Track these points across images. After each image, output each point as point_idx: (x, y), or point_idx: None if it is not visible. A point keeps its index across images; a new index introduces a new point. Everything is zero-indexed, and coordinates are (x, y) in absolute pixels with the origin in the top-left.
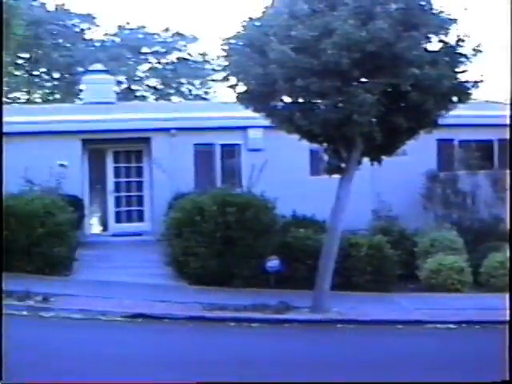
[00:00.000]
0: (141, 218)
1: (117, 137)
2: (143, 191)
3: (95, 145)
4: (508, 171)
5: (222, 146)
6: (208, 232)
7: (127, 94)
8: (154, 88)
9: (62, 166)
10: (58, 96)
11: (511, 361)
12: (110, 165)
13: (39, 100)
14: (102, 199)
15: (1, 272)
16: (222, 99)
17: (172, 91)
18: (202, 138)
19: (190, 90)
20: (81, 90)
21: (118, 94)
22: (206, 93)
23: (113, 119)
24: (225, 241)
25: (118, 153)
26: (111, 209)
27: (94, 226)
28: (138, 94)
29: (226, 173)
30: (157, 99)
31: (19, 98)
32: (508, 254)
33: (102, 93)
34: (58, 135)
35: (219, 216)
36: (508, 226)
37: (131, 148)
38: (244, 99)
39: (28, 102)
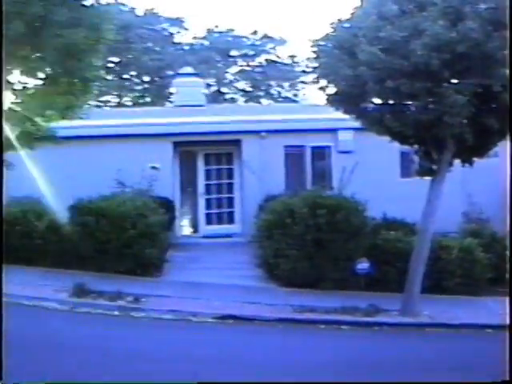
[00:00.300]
0: (231, 220)
1: (207, 139)
2: (233, 193)
3: (186, 147)
4: None
5: (313, 148)
6: (298, 234)
7: (217, 97)
8: (244, 90)
9: (153, 168)
10: (148, 99)
11: (511, 361)
12: (200, 167)
13: (130, 103)
14: (193, 201)
15: (1, 268)
16: (312, 101)
17: (261, 93)
18: (292, 140)
19: (279, 92)
20: (171, 93)
21: (207, 96)
22: (296, 95)
23: (203, 122)
24: (315, 243)
25: (209, 155)
26: (202, 211)
27: (184, 227)
28: (227, 96)
29: (316, 175)
30: (246, 101)
31: (110, 102)
32: None
33: (192, 95)
34: (149, 138)
35: (310, 218)
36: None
37: (222, 150)
38: (334, 101)
39: (119, 105)
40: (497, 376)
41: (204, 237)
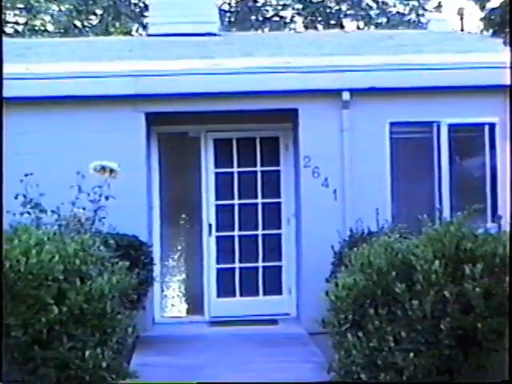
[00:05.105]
0: (274, 287)
1: (222, 108)
2: (280, 227)
3: (175, 125)
4: None
5: (452, 127)
6: (422, 318)
7: (245, 16)
8: (302, 2)
9: (104, 171)
10: (93, 20)
11: (511, 361)
12: (207, 168)
13: (53, 27)
14: (191, 243)
15: (1, 268)
16: (451, 26)
17: (342, 7)
18: (407, 111)
19: (381, 7)
20: (144, 6)
21: (224, 15)
22: (418, 13)
23: (214, 70)
24: (458, 336)
25: (225, 143)
26: (209, 263)
27: (170, 301)
28: (266, 14)
29: (460, 185)
30: (307, 26)
31: (14, 23)
32: None
33: (189, 13)
34: (96, 103)
35: (447, 282)
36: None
37: (254, 133)
38: (501, 26)
39: (30, 29)
40: None
41: (213, 322)
